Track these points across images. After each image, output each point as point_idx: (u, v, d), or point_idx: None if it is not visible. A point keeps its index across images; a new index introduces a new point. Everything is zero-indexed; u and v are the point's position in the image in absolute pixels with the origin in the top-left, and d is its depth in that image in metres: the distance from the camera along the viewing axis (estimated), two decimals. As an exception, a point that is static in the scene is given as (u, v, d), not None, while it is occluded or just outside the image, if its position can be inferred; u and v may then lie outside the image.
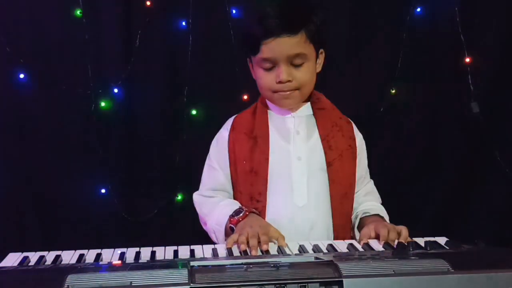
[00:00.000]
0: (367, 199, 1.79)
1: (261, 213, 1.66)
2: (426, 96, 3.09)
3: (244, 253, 1.41)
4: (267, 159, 1.69)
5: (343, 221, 1.70)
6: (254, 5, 1.78)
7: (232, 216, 1.60)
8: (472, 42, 3.01)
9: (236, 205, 1.66)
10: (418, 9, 3.04)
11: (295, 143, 1.71)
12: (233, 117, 1.81)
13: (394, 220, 2.81)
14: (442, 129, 3.10)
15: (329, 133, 1.73)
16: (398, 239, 1.49)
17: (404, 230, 1.51)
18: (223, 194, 1.74)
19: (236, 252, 1.44)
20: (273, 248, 1.43)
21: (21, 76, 2.96)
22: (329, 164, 1.70)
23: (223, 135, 1.77)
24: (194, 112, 2.99)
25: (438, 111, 3.10)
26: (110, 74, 3.01)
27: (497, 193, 3.08)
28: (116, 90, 3.00)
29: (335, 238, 1.66)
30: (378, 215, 1.72)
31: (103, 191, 3.01)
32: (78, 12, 2.95)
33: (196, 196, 1.80)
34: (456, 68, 3.04)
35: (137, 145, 3.03)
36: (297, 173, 1.69)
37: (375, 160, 2.92)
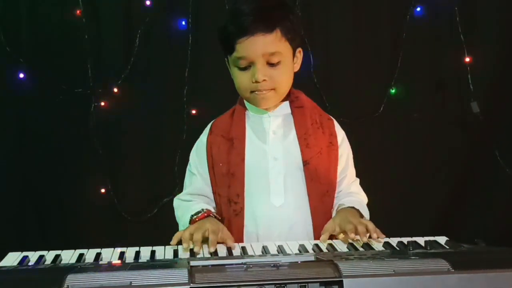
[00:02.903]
0: (349, 196, 1.72)
1: (239, 214, 1.65)
2: (426, 96, 3.10)
3: (190, 253, 1.40)
4: (243, 160, 1.67)
5: (324, 220, 1.64)
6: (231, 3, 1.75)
7: (192, 216, 1.60)
8: (472, 41, 3.01)
9: (203, 207, 1.66)
10: (418, 9, 3.04)
11: (271, 143, 1.69)
12: (212, 121, 1.79)
13: (395, 219, 2.82)
14: (442, 129, 3.11)
15: (307, 131, 1.70)
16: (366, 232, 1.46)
17: (369, 223, 1.49)
18: (202, 198, 1.72)
19: (236, 252, 1.44)
20: (272, 248, 1.43)
21: (21, 75, 2.96)
22: (306, 162, 1.67)
23: (202, 140, 1.76)
24: (193, 111, 3.00)
25: (438, 111, 3.11)
26: (110, 73, 3.01)
27: (497, 192, 3.08)
28: (116, 90, 3.00)
29: (316, 238, 1.63)
30: (353, 207, 1.65)
31: (102, 190, 3.02)
32: (78, 12, 2.96)
33: (175, 200, 1.79)
34: (456, 68, 3.04)
35: (136, 145, 3.04)
36: (274, 173, 1.67)
37: (375, 160, 2.95)
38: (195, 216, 1.60)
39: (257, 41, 1.57)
